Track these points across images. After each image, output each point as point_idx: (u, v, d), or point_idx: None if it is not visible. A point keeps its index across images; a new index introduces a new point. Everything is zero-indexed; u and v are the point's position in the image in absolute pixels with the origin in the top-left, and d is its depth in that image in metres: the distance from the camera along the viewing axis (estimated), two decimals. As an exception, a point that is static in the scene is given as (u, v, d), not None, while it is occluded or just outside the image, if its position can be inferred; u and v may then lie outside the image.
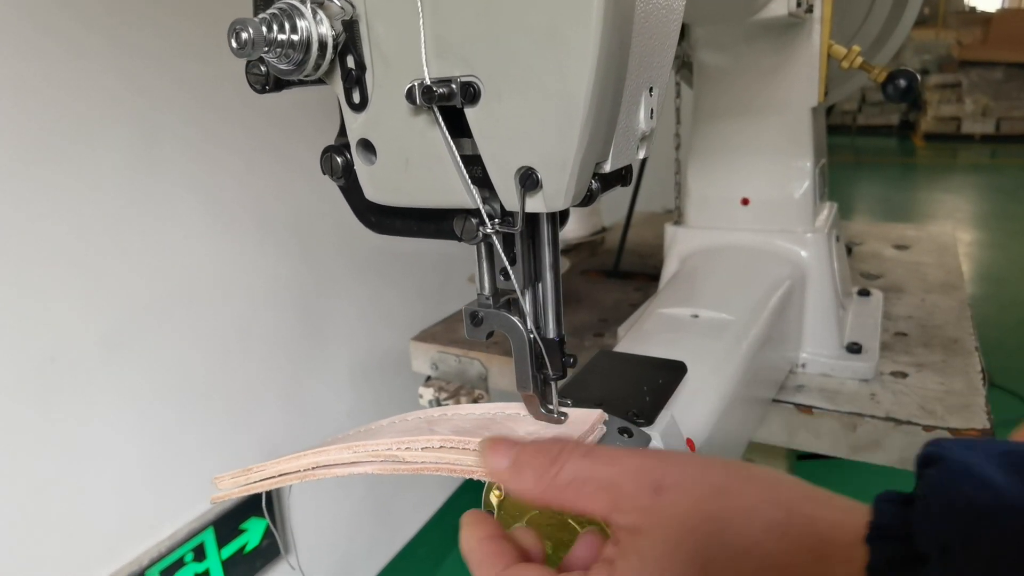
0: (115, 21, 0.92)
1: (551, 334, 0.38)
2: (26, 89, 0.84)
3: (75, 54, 0.88)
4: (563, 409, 0.40)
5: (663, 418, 0.44)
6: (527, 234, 0.37)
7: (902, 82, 0.77)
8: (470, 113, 0.32)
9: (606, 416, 0.40)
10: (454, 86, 0.31)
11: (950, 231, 1.38)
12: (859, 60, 0.79)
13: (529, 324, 0.38)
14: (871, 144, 8.21)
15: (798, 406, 0.74)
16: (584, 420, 0.40)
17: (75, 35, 0.88)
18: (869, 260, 1.21)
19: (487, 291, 0.39)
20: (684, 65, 0.92)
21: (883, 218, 5.13)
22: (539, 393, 0.39)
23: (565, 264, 1.22)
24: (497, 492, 0.39)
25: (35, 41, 0.84)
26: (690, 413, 0.48)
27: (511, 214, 0.34)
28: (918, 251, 1.26)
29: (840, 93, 0.98)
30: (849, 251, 1.24)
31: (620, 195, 1.22)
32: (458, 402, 0.90)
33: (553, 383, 0.39)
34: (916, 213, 5.37)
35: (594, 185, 0.33)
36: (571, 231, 1.33)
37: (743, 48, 0.83)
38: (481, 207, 0.34)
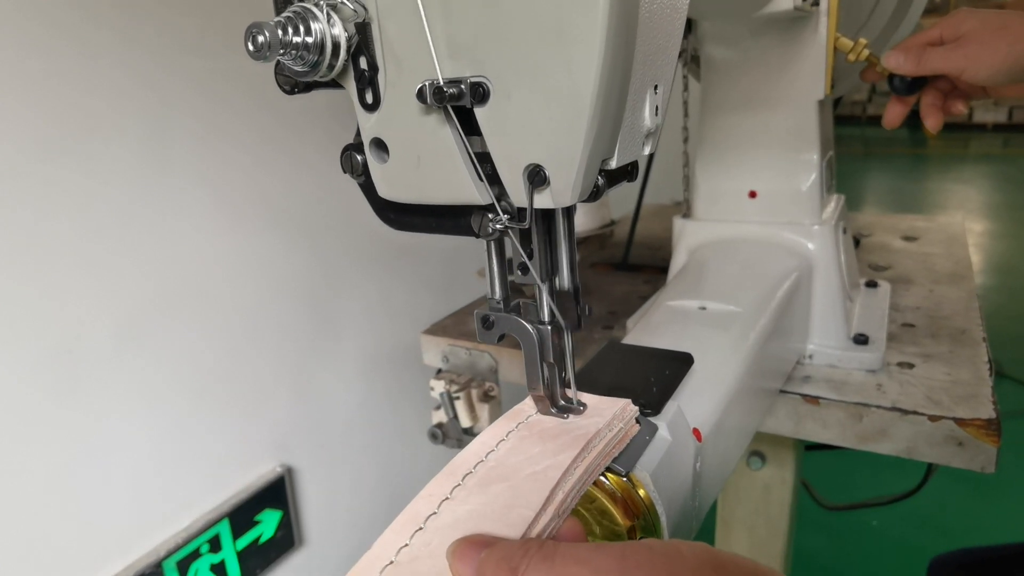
0: (124, 17, 0.93)
1: (566, 285, 0.40)
2: (35, 86, 0.85)
3: (83, 51, 0.89)
4: (585, 400, 0.41)
5: (670, 408, 0.45)
6: (543, 229, 0.38)
7: (908, 76, 0.78)
8: (479, 112, 0.33)
9: (635, 408, 0.42)
10: (464, 86, 0.32)
11: (959, 221, 1.38)
12: (866, 53, 0.79)
13: (545, 315, 0.39)
14: (881, 134, 8.16)
15: (805, 396, 0.75)
16: (609, 411, 0.41)
17: (83, 32, 0.89)
18: (877, 251, 1.22)
19: (498, 295, 0.40)
20: (692, 59, 0.92)
21: (893, 209, 5.12)
22: (548, 394, 0.40)
23: (574, 257, 1.23)
24: None
25: (43, 38, 0.85)
26: (697, 403, 0.49)
27: (521, 210, 0.35)
28: (927, 242, 1.26)
29: (847, 86, 0.98)
30: (857, 243, 1.24)
31: (629, 188, 1.22)
32: (468, 394, 0.91)
33: (560, 378, 0.40)
34: (927, 204, 5.35)
35: (600, 181, 0.34)
36: (580, 224, 1.34)
37: (750, 42, 0.83)
38: (496, 203, 0.35)
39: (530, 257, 0.38)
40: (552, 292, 0.40)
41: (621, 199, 1.60)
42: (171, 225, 1.02)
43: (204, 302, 1.08)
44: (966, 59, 0.70)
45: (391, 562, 0.32)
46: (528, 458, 0.37)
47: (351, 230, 1.33)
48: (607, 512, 0.39)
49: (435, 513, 0.34)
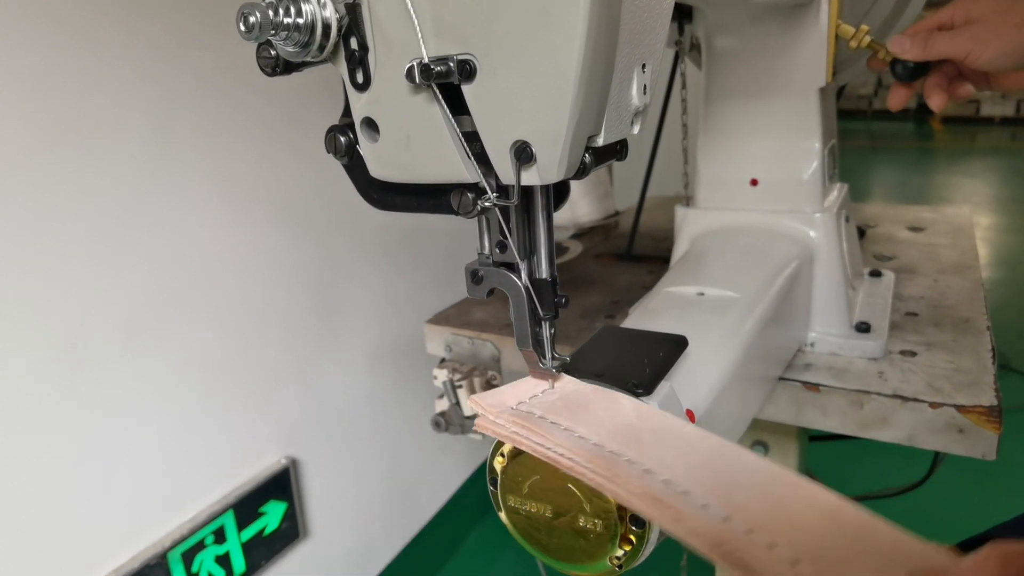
0: (126, 11, 0.94)
1: (543, 274, 0.40)
2: (37, 82, 0.86)
3: (86, 45, 0.90)
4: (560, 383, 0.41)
5: (662, 388, 0.45)
6: (523, 207, 0.38)
7: (911, 62, 0.77)
8: (467, 90, 0.33)
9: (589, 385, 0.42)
10: (451, 64, 0.33)
11: (966, 212, 1.37)
12: (867, 40, 0.79)
13: (524, 279, 0.39)
14: (888, 128, 8.12)
15: (805, 384, 0.75)
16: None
17: (85, 26, 0.90)
18: (883, 242, 1.21)
19: (487, 251, 0.40)
20: (693, 47, 0.92)
21: (900, 203, 5.09)
22: (539, 351, 0.41)
23: (578, 247, 1.23)
24: (500, 459, 0.40)
25: (45, 33, 0.86)
26: (690, 386, 0.49)
27: (507, 187, 0.35)
28: (933, 233, 1.26)
29: (850, 74, 0.98)
30: (862, 233, 1.24)
31: (633, 179, 1.22)
32: (471, 383, 0.92)
33: (548, 331, 0.41)
34: (933, 197, 5.32)
35: (587, 159, 0.34)
36: (584, 215, 1.34)
37: (750, 29, 0.83)
38: (483, 180, 0.35)
39: (510, 233, 0.39)
40: (531, 278, 0.40)
41: (625, 190, 1.60)
42: (176, 219, 1.03)
43: (209, 295, 1.09)
44: (972, 41, 0.69)
45: (535, 395, 0.39)
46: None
47: (356, 223, 1.33)
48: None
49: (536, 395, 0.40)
